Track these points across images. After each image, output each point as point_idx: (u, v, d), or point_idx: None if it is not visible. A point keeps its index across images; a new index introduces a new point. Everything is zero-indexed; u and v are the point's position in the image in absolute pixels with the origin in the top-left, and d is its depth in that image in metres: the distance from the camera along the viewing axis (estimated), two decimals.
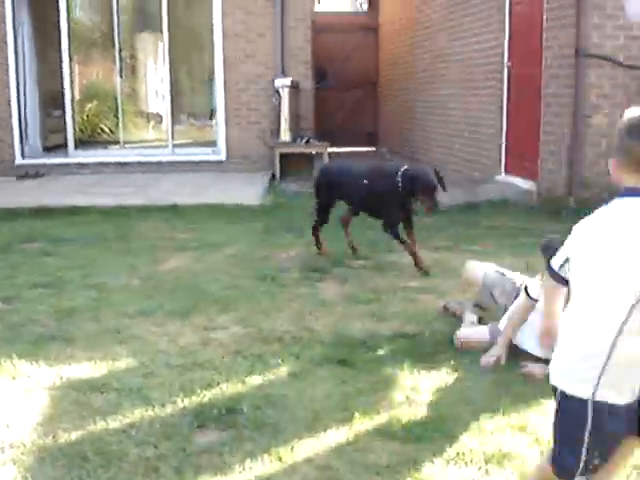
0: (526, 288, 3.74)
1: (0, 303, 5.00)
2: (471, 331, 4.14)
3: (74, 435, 3.13)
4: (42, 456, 2.96)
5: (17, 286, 5.40)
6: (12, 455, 2.97)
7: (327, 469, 2.85)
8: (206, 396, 3.45)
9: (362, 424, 3.17)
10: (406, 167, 5.64)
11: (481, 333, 4.06)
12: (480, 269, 4.45)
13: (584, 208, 2.62)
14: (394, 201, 5.58)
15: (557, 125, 8.17)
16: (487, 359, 3.76)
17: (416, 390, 3.52)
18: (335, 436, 3.08)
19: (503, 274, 4.30)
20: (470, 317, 4.31)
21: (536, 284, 3.67)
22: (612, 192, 2.21)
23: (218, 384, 3.58)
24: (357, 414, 3.23)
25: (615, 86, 7.71)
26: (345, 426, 3.15)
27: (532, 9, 8.84)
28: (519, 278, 4.22)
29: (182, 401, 3.41)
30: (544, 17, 8.40)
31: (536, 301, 3.62)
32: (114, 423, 3.22)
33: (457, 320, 4.36)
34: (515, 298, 4.03)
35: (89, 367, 3.86)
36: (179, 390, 3.52)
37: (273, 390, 3.52)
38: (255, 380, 3.65)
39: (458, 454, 2.93)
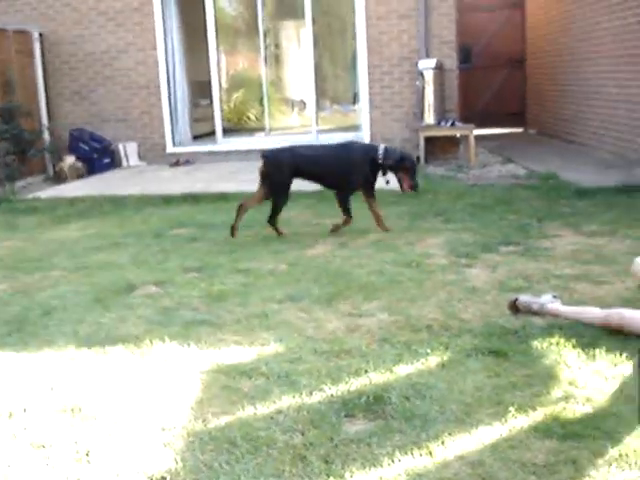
0: None
1: (153, 287, 5.16)
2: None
3: (223, 420, 3.15)
4: (192, 440, 2.99)
5: (169, 270, 5.56)
6: (163, 438, 3.03)
7: (480, 466, 2.71)
8: (354, 384, 3.39)
9: (517, 420, 3.00)
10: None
11: None
12: None
13: None
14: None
15: None
16: None
17: (574, 384, 3.30)
18: (488, 431, 2.93)
19: None
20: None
21: None
22: None
23: (366, 372, 3.52)
24: (511, 409, 3.07)
25: None
26: (498, 421, 3.00)
27: None
28: None
29: (329, 388, 3.36)
30: None
31: None
32: (262, 409, 3.22)
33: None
34: None
35: (238, 352, 3.90)
36: (326, 377, 3.48)
37: (422, 380, 3.41)
38: (403, 369, 3.55)
39: (621, 455, 2.71)
